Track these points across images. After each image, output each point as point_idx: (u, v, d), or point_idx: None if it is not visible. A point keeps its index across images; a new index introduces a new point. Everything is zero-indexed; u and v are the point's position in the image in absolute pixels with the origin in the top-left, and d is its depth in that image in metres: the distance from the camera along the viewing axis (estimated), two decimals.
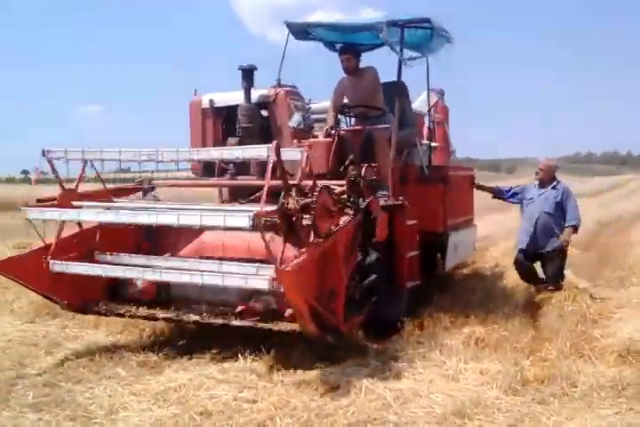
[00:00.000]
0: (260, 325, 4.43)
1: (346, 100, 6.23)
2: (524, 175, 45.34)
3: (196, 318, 4.69)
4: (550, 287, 6.22)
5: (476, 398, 3.77)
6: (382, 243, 5.00)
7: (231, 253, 4.76)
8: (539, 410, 3.71)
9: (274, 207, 3.89)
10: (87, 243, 5.02)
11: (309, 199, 3.99)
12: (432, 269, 6.40)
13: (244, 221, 3.79)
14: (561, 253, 6.33)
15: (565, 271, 6.57)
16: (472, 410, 3.65)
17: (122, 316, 5.01)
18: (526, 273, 6.62)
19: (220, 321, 4.59)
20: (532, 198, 6.52)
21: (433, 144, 7.11)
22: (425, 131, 7.49)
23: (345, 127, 6.25)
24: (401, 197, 5.37)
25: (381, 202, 5.02)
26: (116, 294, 5.16)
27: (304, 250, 3.98)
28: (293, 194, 3.94)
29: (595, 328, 5.12)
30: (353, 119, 6.33)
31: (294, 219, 3.92)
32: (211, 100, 6.30)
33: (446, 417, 3.57)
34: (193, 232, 5.07)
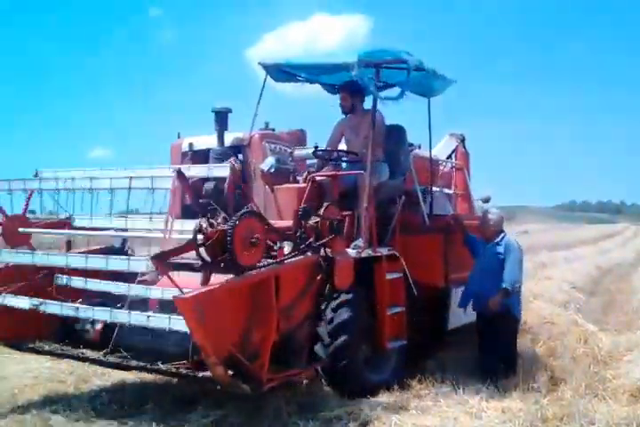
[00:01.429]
0: (183, 370, 4.06)
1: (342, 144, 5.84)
2: (523, 222, 45.82)
3: (119, 360, 4.41)
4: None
5: None
6: (354, 295, 4.63)
7: None
8: None
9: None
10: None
11: (230, 224, 3.56)
12: (440, 327, 5.90)
13: (141, 265, 3.91)
14: (505, 321, 5.35)
15: (575, 316, 6.69)
16: None
17: (68, 357, 4.85)
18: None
19: (142, 364, 4.26)
20: (479, 254, 5.69)
21: (447, 191, 6.95)
22: (434, 177, 6.62)
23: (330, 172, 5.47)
24: (385, 249, 5.00)
25: (353, 254, 4.67)
26: (67, 336, 4.89)
27: (218, 281, 3.60)
28: (218, 219, 3.64)
29: (607, 369, 5.36)
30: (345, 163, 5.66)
31: (210, 243, 3.56)
32: (190, 144, 6.10)
33: None
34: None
